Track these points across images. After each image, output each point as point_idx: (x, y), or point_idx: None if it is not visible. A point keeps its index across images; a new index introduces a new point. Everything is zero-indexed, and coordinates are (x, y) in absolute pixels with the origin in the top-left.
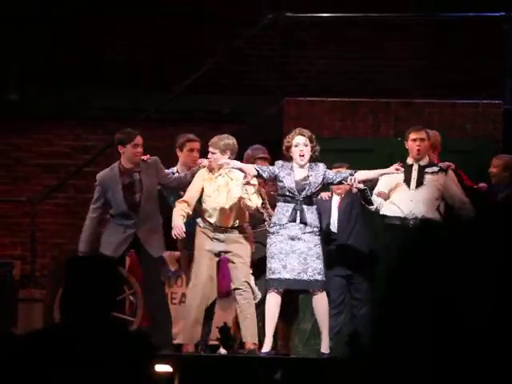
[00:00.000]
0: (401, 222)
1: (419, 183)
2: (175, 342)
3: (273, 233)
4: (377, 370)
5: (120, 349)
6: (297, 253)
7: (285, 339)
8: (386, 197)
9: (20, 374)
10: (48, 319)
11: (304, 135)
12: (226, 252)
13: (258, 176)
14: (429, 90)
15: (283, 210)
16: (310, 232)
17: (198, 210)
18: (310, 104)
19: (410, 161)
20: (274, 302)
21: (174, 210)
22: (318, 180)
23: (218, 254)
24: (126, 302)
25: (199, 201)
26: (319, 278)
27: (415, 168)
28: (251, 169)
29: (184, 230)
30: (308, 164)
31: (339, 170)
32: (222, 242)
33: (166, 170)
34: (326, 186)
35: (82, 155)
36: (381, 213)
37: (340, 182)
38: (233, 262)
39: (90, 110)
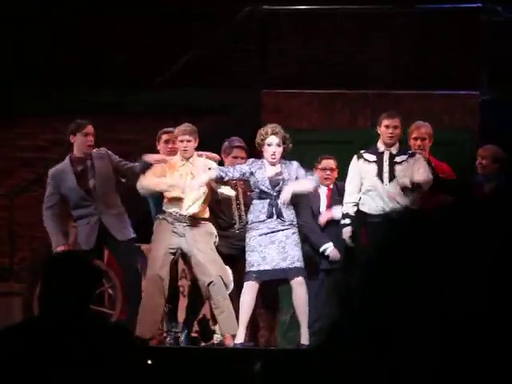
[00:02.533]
0: (383, 218)
1: (391, 177)
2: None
3: (251, 228)
4: (369, 361)
5: (100, 341)
6: (275, 243)
7: (268, 331)
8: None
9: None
10: (27, 313)
11: (278, 136)
12: (187, 251)
13: (221, 179)
14: (408, 81)
15: (259, 207)
16: (288, 224)
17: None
18: (288, 96)
19: (380, 147)
20: (250, 292)
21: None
22: (292, 177)
23: (175, 253)
24: (105, 295)
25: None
26: (298, 265)
27: (386, 159)
28: (212, 174)
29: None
30: (280, 161)
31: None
32: (182, 236)
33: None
34: None
35: (60, 149)
36: (361, 209)
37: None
38: (199, 260)
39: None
